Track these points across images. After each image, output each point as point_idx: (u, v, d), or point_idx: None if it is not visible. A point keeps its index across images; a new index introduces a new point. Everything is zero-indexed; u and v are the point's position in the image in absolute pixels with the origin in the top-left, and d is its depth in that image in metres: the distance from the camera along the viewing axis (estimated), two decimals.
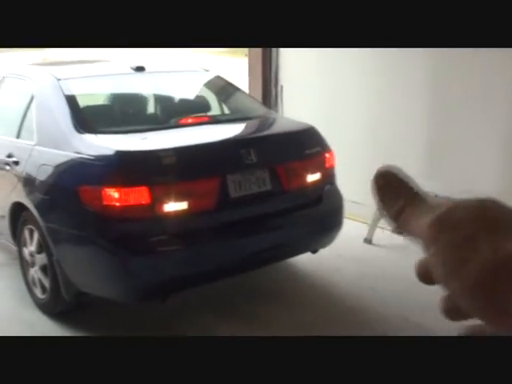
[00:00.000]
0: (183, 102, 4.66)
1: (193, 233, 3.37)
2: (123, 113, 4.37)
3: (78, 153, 3.41)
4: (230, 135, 4.10)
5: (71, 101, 3.77)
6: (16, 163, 3.87)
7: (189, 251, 3.39)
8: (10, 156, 3.94)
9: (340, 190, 4.08)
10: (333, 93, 5.64)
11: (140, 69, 4.32)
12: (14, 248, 4.10)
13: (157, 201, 3.21)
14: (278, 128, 4.28)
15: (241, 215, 3.59)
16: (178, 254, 3.38)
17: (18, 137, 4.03)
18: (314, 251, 4.03)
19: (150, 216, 3.25)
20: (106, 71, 4.73)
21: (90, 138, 3.49)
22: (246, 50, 7.14)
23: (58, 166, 3.57)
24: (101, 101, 4.50)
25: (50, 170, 3.59)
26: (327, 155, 3.96)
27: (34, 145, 3.76)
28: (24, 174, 3.78)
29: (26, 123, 4.00)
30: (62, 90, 3.83)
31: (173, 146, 3.54)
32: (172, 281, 3.38)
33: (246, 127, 4.27)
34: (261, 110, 4.56)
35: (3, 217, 4.11)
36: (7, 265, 4.53)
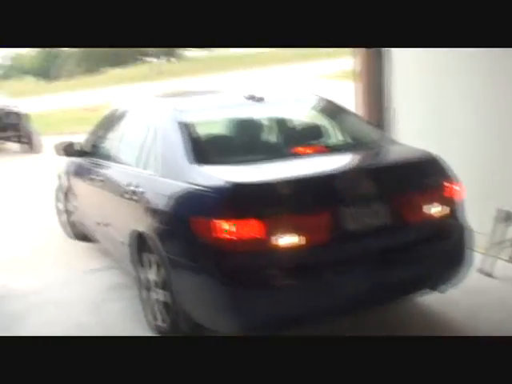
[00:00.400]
0: (298, 130, 4.58)
1: (306, 267, 3.27)
2: (239, 144, 4.33)
3: (193, 183, 3.46)
4: (345, 165, 3.91)
5: (189, 132, 3.85)
6: (136, 192, 4.00)
7: (302, 286, 3.29)
8: (131, 185, 4.10)
9: (468, 224, 3.80)
10: (448, 117, 5.32)
11: (259, 99, 4.32)
12: (134, 275, 4.22)
13: (269, 234, 3.16)
14: (396, 156, 4.04)
15: (355, 250, 3.43)
16: (291, 289, 3.28)
17: (138, 166, 4.19)
18: (440, 289, 3.79)
19: (262, 249, 3.18)
20: (222, 102, 4.77)
21: (204, 168, 3.54)
22: (349, 72, 6.77)
23: (173, 196, 3.63)
24: (217, 131, 4.56)
25: (166, 200, 3.67)
26: (452, 186, 3.69)
27: (153, 175, 3.92)
28: (143, 202, 3.90)
29: (146, 153, 4.13)
30: (180, 122, 3.93)
31: (286, 177, 3.45)
32: (283, 316, 3.28)
33: (362, 156, 4.07)
34: (378, 136, 4.36)
35: (123, 243, 4.25)
36: (128, 287, 4.70)
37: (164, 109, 4.25)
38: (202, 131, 4.13)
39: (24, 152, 14.03)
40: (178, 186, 3.59)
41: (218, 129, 4.63)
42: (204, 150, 3.78)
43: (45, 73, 50.90)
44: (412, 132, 5.51)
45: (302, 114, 4.86)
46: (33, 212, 7.74)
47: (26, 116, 14.36)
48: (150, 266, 3.86)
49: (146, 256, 3.92)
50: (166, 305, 3.73)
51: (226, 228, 3.14)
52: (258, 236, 3.14)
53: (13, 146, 14.74)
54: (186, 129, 3.87)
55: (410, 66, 5.70)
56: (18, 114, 14.24)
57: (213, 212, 3.22)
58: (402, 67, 5.79)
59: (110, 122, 5.29)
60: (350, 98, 6.40)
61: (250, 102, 4.29)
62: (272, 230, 3.16)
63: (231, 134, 4.53)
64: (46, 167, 11.45)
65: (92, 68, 47.41)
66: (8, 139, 14.49)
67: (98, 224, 5.01)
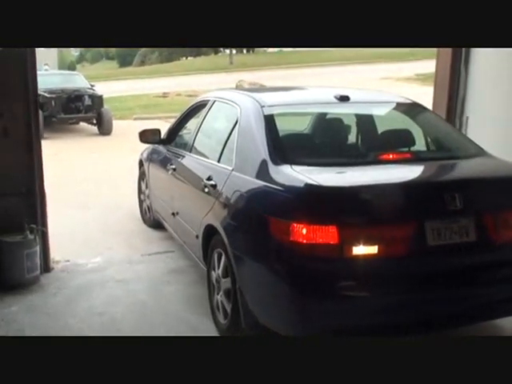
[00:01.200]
0: (385, 135, 4.29)
1: (381, 279, 3.11)
2: (322, 144, 4.16)
3: (271, 182, 3.32)
4: (433, 176, 3.70)
5: (271, 128, 3.71)
6: (214, 186, 3.91)
7: (376, 299, 3.12)
8: (209, 179, 4.01)
9: None
10: None
11: (344, 98, 4.08)
12: (204, 269, 4.17)
13: (345, 242, 3.01)
14: (489, 170, 3.74)
15: (437, 266, 3.22)
16: (364, 301, 3.12)
17: (219, 160, 4.09)
18: None
19: (337, 257, 3.04)
20: (308, 99, 4.61)
21: (284, 168, 3.38)
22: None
23: (250, 194, 3.53)
24: (301, 130, 4.41)
25: (242, 197, 3.58)
26: None
27: (232, 170, 3.78)
28: (219, 198, 3.81)
29: (227, 148, 4.04)
30: (263, 117, 3.79)
31: (369, 184, 3.29)
32: (352, 328, 3.12)
33: (452, 167, 3.81)
34: (471, 147, 4.01)
35: (197, 237, 4.21)
36: (187, 272, 4.89)
37: (249, 103, 4.07)
38: (287, 129, 4.01)
39: (102, 134, 14.47)
40: (256, 183, 3.46)
41: (302, 127, 4.47)
42: (287, 148, 3.64)
43: (126, 59, 52.36)
44: (482, 143, 5.35)
45: (393, 118, 4.58)
46: (108, 192, 8.02)
47: (101, 98, 14.79)
48: (219, 261, 3.80)
49: (216, 251, 3.86)
50: (229, 300, 3.67)
51: (304, 232, 3.02)
52: (335, 243, 3.01)
53: (88, 127, 15.22)
54: (271, 125, 3.73)
55: (488, 73, 5.55)
56: (93, 96, 14.70)
57: (292, 214, 3.09)
58: (479, 75, 5.64)
59: (194, 113, 5.27)
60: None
61: (337, 101, 4.08)
62: (351, 239, 3.03)
63: (315, 133, 4.39)
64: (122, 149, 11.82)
65: (171, 57, 48.72)
66: (82, 119, 15.00)
67: (173, 214, 5.00)
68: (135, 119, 17.52)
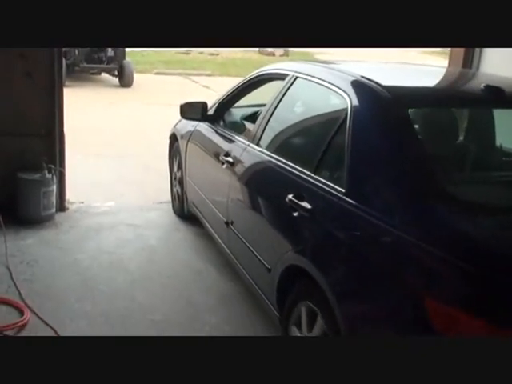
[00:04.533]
0: None
1: None
2: (470, 157, 2.91)
3: (423, 238, 2.06)
4: None
5: (409, 139, 2.49)
6: (310, 212, 2.62)
7: None
8: (300, 198, 2.70)
9: None
10: None
11: (494, 92, 2.72)
12: (275, 315, 3.05)
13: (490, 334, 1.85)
14: None
15: None
16: None
17: (315, 171, 2.75)
18: None
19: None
20: (445, 89, 3.25)
21: (441, 209, 2.17)
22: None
23: (383, 248, 2.24)
24: (439, 135, 2.94)
25: (366, 246, 2.33)
26: None
27: (343, 195, 2.46)
28: (318, 230, 2.64)
29: (330, 156, 2.75)
30: (395, 119, 2.54)
31: None
32: None
33: None
34: None
35: (270, 271, 2.99)
36: (196, 221, 4.82)
37: (366, 92, 2.72)
38: (424, 134, 2.76)
39: (123, 86, 14.59)
40: (391, 232, 2.18)
41: (439, 130, 2.99)
42: (439, 175, 2.36)
43: None
44: None
45: None
46: (123, 142, 8.24)
47: (124, 51, 14.85)
48: (312, 322, 2.63)
49: (303, 305, 2.71)
50: None
51: (461, 321, 1.88)
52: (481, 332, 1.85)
53: (109, 78, 15.34)
54: (408, 133, 2.51)
55: (499, 69, 5.58)
56: (116, 48, 14.77)
57: (455, 299, 1.90)
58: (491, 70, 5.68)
59: (255, 86, 4.13)
60: None
61: (486, 95, 2.75)
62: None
63: (458, 141, 3.09)
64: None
65: None
66: (104, 70, 15.11)
67: (226, 224, 3.70)
68: (156, 74, 17.59)
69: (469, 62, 5.61)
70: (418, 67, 4.11)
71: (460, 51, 5.57)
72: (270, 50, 23.94)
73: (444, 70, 4.20)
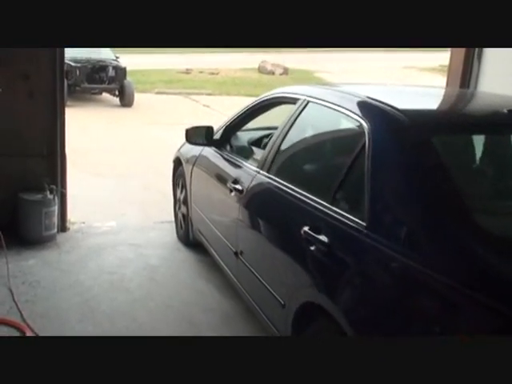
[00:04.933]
0: None
1: None
2: (501, 187, 2.75)
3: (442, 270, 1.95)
4: None
5: (433, 169, 2.31)
6: (328, 247, 2.45)
7: None
8: (317, 231, 2.53)
9: None
10: None
11: None
12: None
13: None
14: None
15: None
16: None
17: (332, 202, 2.57)
18: None
19: None
20: (468, 112, 3.12)
21: (471, 243, 1.99)
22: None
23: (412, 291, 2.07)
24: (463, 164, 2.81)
25: (393, 289, 2.15)
26: None
27: (365, 229, 2.29)
28: (340, 269, 2.44)
29: (347, 186, 2.59)
30: (417, 148, 2.38)
31: None
32: None
33: None
34: None
35: (284, 306, 2.80)
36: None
37: (384, 118, 2.58)
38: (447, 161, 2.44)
39: (124, 105, 14.67)
40: (418, 270, 2.02)
41: (462, 157, 2.86)
42: (465, 207, 2.15)
43: None
44: None
45: None
46: (123, 161, 8.26)
47: (124, 70, 14.96)
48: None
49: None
50: None
51: None
52: None
53: (110, 97, 15.42)
54: (432, 161, 2.34)
55: (501, 67, 5.63)
56: (117, 68, 14.88)
57: None
58: (492, 68, 5.72)
59: (263, 110, 4.00)
60: None
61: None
62: None
63: (484, 170, 2.97)
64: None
65: None
66: (105, 90, 15.21)
67: (236, 255, 3.52)
68: (157, 93, 17.70)
69: (466, 81, 5.66)
70: (429, 90, 4.03)
71: (458, 68, 5.62)
72: (269, 68, 24.08)
73: (457, 92, 4.20)
